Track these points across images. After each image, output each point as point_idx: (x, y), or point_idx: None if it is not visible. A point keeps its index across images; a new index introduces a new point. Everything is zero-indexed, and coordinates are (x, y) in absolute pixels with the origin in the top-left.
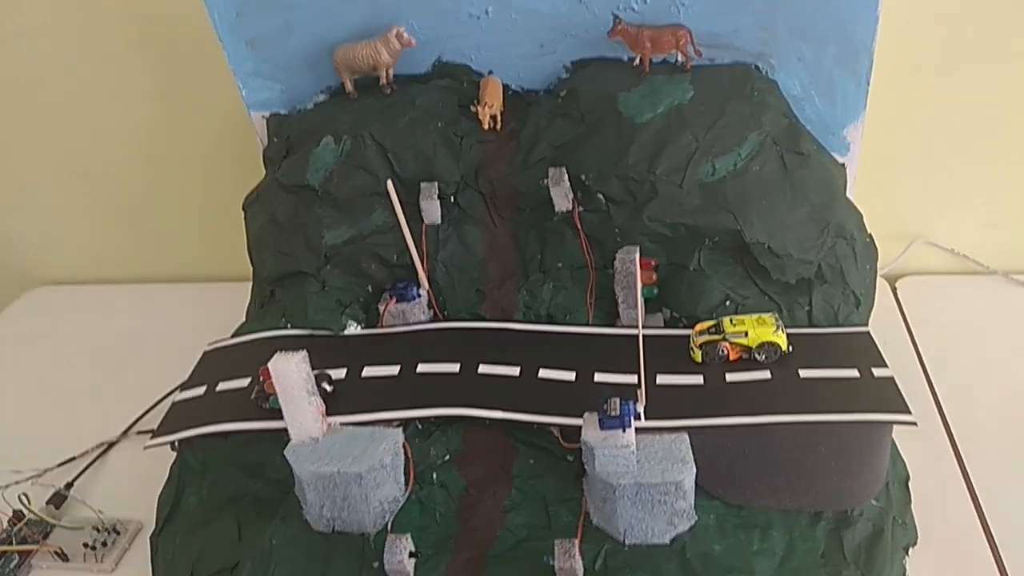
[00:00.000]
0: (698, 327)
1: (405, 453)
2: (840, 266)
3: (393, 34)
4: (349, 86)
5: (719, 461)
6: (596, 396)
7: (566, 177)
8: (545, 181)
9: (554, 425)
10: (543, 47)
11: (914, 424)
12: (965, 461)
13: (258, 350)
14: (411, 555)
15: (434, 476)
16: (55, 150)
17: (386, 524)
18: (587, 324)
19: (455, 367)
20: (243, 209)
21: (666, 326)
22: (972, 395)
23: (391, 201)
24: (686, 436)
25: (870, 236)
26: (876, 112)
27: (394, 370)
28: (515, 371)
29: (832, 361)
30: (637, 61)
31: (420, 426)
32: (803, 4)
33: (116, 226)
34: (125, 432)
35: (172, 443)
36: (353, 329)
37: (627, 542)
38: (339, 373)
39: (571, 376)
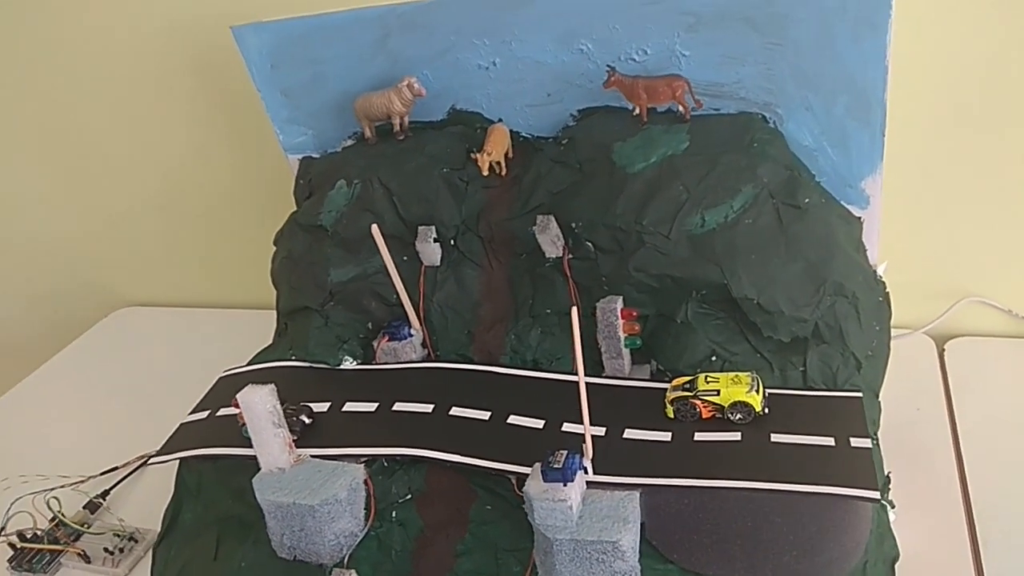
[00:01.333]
0: (674, 382)
1: (367, 489)
2: (840, 326)
3: (405, 85)
4: (367, 132)
5: (674, 523)
6: (559, 445)
7: (553, 224)
8: (533, 228)
9: (512, 473)
10: (550, 96)
11: (877, 502)
12: (981, 551)
13: (263, 378)
14: None
15: (393, 514)
16: (141, 187)
17: (343, 557)
18: (572, 372)
19: (428, 408)
20: (273, 244)
21: (652, 379)
22: (1003, 477)
23: (376, 244)
24: (636, 495)
25: (884, 295)
26: (914, 162)
27: (372, 407)
28: (485, 415)
29: (809, 427)
30: (637, 111)
31: (385, 463)
32: (807, 54)
33: (190, 255)
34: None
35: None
36: (348, 364)
37: None
38: (323, 406)
39: (539, 424)
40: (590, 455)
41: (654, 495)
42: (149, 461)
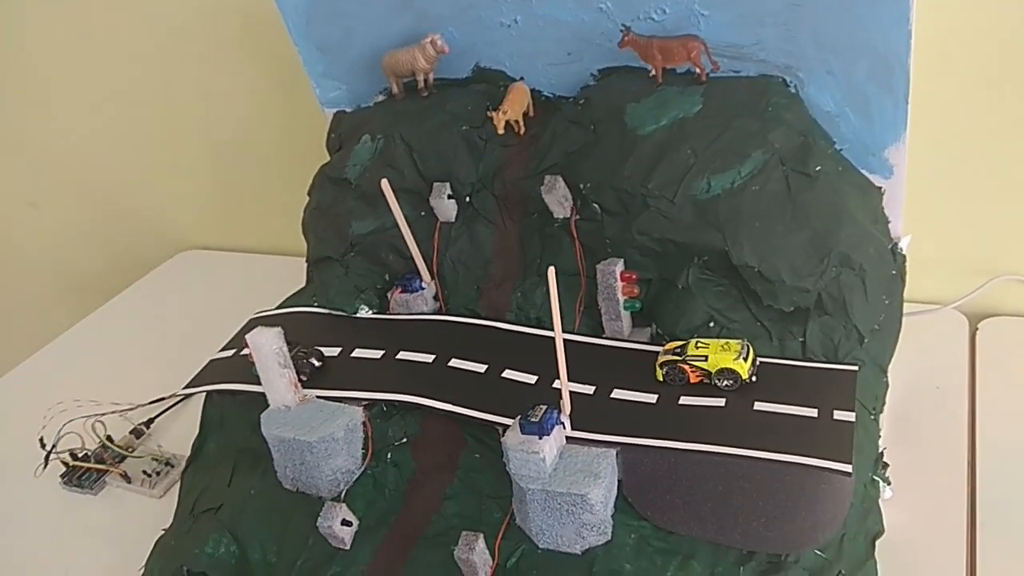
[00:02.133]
0: (666, 346)
1: (366, 431)
2: (843, 297)
3: (428, 41)
4: (395, 89)
5: (649, 482)
6: (548, 400)
7: (560, 184)
8: (540, 188)
9: (500, 424)
10: (570, 55)
11: (847, 475)
12: (977, 538)
13: (286, 322)
14: (344, 523)
15: (389, 456)
16: (202, 138)
17: (340, 492)
18: (572, 331)
19: (429, 358)
20: (307, 195)
21: (652, 342)
22: (1014, 465)
23: (386, 199)
24: (612, 452)
25: (899, 268)
26: (944, 130)
27: (378, 354)
28: (481, 368)
29: (795, 397)
30: (653, 72)
31: (384, 408)
32: (828, 16)
33: (248, 203)
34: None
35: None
36: (364, 313)
37: (540, 546)
38: (334, 351)
39: (532, 380)
40: (567, 411)
41: (631, 454)
42: (177, 392)
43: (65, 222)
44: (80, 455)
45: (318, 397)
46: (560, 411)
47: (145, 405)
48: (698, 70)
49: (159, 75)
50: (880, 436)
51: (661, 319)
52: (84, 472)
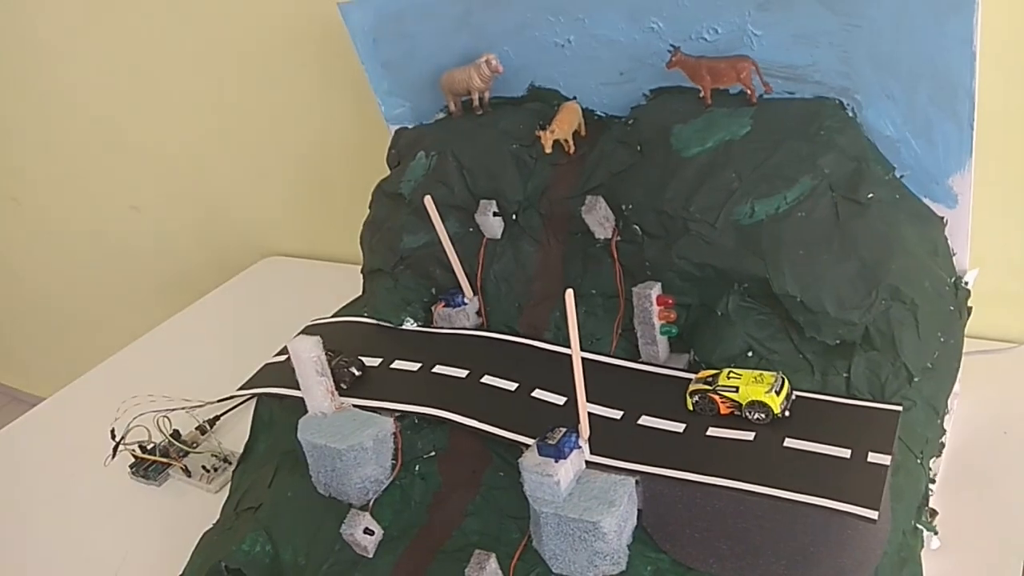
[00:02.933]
0: (699, 374)
1: (396, 442)
2: (892, 333)
3: (483, 61)
4: (452, 107)
5: (669, 514)
6: (574, 423)
7: (601, 205)
8: (581, 208)
9: (524, 444)
10: (623, 74)
11: (872, 521)
12: None
13: (337, 330)
14: (367, 531)
15: (416, 468)
16: (287, 151)
17: (369, 500)
18: (609, 354)
19: (463, 373)
20: (368, 208)
21: (688, 369)
22: None
23: (429, 215)
24: (631, 481)
25: (958, 304)
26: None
27: (415, 367)
28: (512, 387)
29: (828, 436)
30: (703, 93)
31: (415, 420)
32: (886, 37)
33: (328, 214)
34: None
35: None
36: (409, 325)
37: (554, 570)
38: (375, 361)
39: (560, 401)
40: (586, 435)
41: (653, 484)
42: (232, 395)
43: (163, 225)
44: (148, 448)
45: (354, 406)
46: (579, 435)
47: (212, 403)
48: (748, 91)
49: (251, 89)
50: (933, 482)
51: (699, 346)
52: (151, 464)
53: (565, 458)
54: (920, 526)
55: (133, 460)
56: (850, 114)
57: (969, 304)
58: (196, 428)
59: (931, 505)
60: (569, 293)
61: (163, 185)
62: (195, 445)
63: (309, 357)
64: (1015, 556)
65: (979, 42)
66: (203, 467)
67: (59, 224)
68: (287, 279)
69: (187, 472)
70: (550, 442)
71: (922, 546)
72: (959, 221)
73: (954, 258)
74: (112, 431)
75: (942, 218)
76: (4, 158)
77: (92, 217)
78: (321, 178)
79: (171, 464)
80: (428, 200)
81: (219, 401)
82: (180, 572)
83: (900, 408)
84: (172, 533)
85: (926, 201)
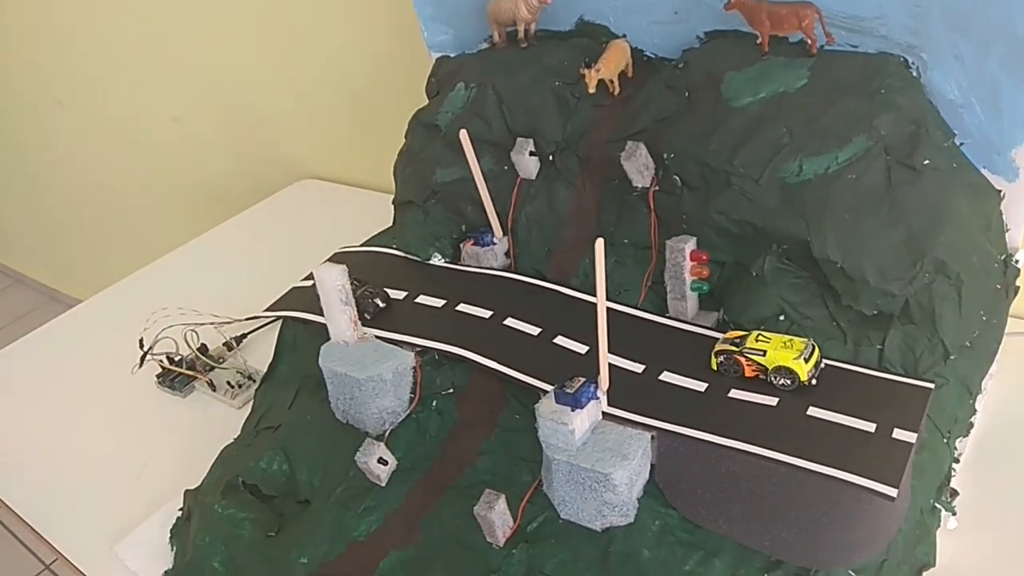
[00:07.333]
0: (726, 335)
1: (415, 376)
2: (933, 307)
3: None
4: (496, 37)
5: (681, 473)
6: (594, 373)
7: (642, 152)
8: (620, 153)
9: (542, 389)
10: (677, 14)
11: (891, 499)
12: None
13: (364, 260)
14: (380, 461)
15: (434, 403)
16: (329, 74)
17: (384, 430)
18: (636, 306)
19: (487, 313)
20: (404, 138)
21: (716, 328)
22: None
23: (464, 149)
24: (647, 436)
25: (1006, 283)
26: None
27: (440, 303)
28: (535, 331)
29: (855, 408)
30: (760, 39)
31: (436, 356)
32: None
33: (367, 140)
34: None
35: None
36: (436, 260)
37: (562, 516)
38: (400, 294)
39: (582, 349)
40: (605, 387)
41: (668, 440)
42: (259, 315)
43: (203, 138)
44: (175, 359)
45: (376, 337)
46: (598, 386)
47: (240, 321)
48: (809, 40)
49: (296, 8)
50: (957, 462)
51: (729, 305)
52: (176, 376)
53: (582, 408)
54: (939, 505)
55: (160, 370)
56: (914, 73)
57: (1017, 284)
58: (223, 344)
59: (952, 485)
60: (599, 243)
61: (204, 98)
62: (221, 360)
63: (334, 286)
64: None
65: None
66: (228, 383)
67: (100, 131)
68: (322, 203)
69: (212, 386)
70: (568, 391)
71: (938, 525)
72: (1017, 196)
73: (1007, 234)
74: (141, 340)
75: (999, 191)
76: (50, 61)
77: (133, 126)
78: (361, 103)
79: (197, 377)
80: (463, 134)
81: (246, 319)
82: (198, 483)
83: (932, 385)
84: (193, 444)
85: (984, 172)
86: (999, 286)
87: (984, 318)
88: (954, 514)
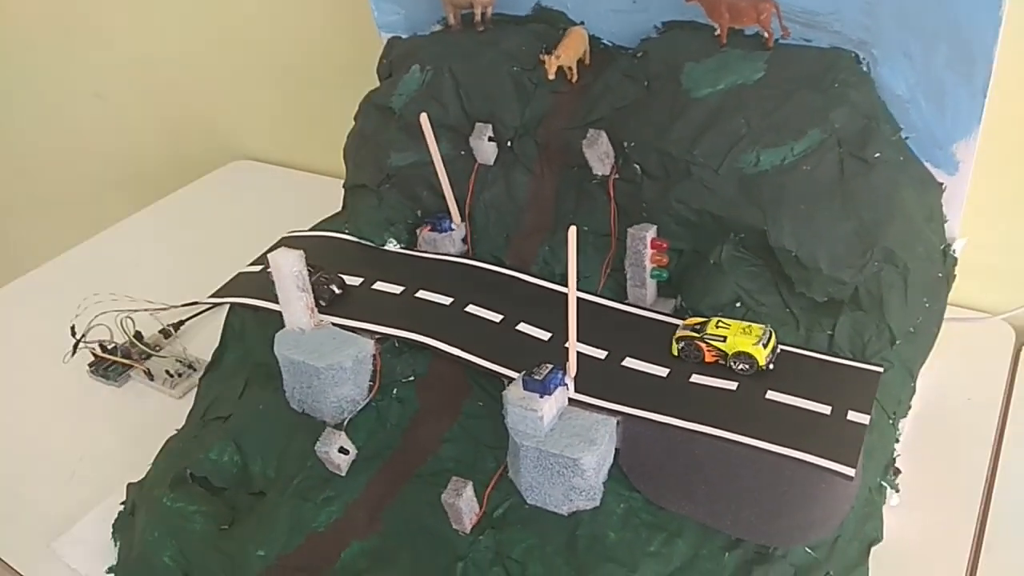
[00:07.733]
0: (686, 321)
1: (375, 363)
2: (881, 295)
3: None
4: (452, 20)
5: (645, 456)
6: (558, 359)
7: (603, 140)
8: (583, 141)
9: (505, 376)
10: (635, 3)
11: (849, 479)
12: (981, 558)
13: (315, 245)
14: (341, 450)
15: (395, 391)
16: (264, 51)
17: (343, 419)
18: (595, 293)
19: (447, 300)
20: (354, 120)
21: (674, 315)
22: None
23: (423, 133)
24: (612, 421)
25: (947, 272)
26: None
27: (398, 289)
28: (497, 318)
29: (810, 391)
30: (718, 31)
31: (396, 344)
32: None
33: (304, 121)
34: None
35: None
36: (391, 246)
37: (528, 501)
38: (356, 280)
39: (545, 336)
40: (573, 373)
41: (632, 425)
42: (200, 301)
43: (128, 116)
44: (109, 347)
45: (334, 324)
46: (565, 372)
47: (177, 307)
48: (766, 34)
49: None
50: (898, 441)
51: (687, 292)
52: (111, 364)
53: (550, 394)
54: (884, 483)
55: (93, 359)
56: (864, 69)
57: (954, 272)
58: (160, 331)
59: (896, 464)
60: (572, 230)
61: (130, 73)
62: (158, 348)
63: (291, 271)
64: (967, 518)
65: (1007, 10)
66: (167, 371)
67: (15, 107)
68: (258, 185)
69: (149, 375)
70: (536, 377)
71: (883, 502)
72: (956, 189)
73: (946, 225)
74: (72, 328)
75: (941, 184)
76: None
77: (52, 102)
78: (302, 82)
79: (132, 366)
80: (424, 118)
81: (184, 305)
82: (141, 476)
83: (881, 370)
84: (132, 436)
85: (927, 165)
86: (940, 274)
87: (927, 305)
88: (897, 491)
